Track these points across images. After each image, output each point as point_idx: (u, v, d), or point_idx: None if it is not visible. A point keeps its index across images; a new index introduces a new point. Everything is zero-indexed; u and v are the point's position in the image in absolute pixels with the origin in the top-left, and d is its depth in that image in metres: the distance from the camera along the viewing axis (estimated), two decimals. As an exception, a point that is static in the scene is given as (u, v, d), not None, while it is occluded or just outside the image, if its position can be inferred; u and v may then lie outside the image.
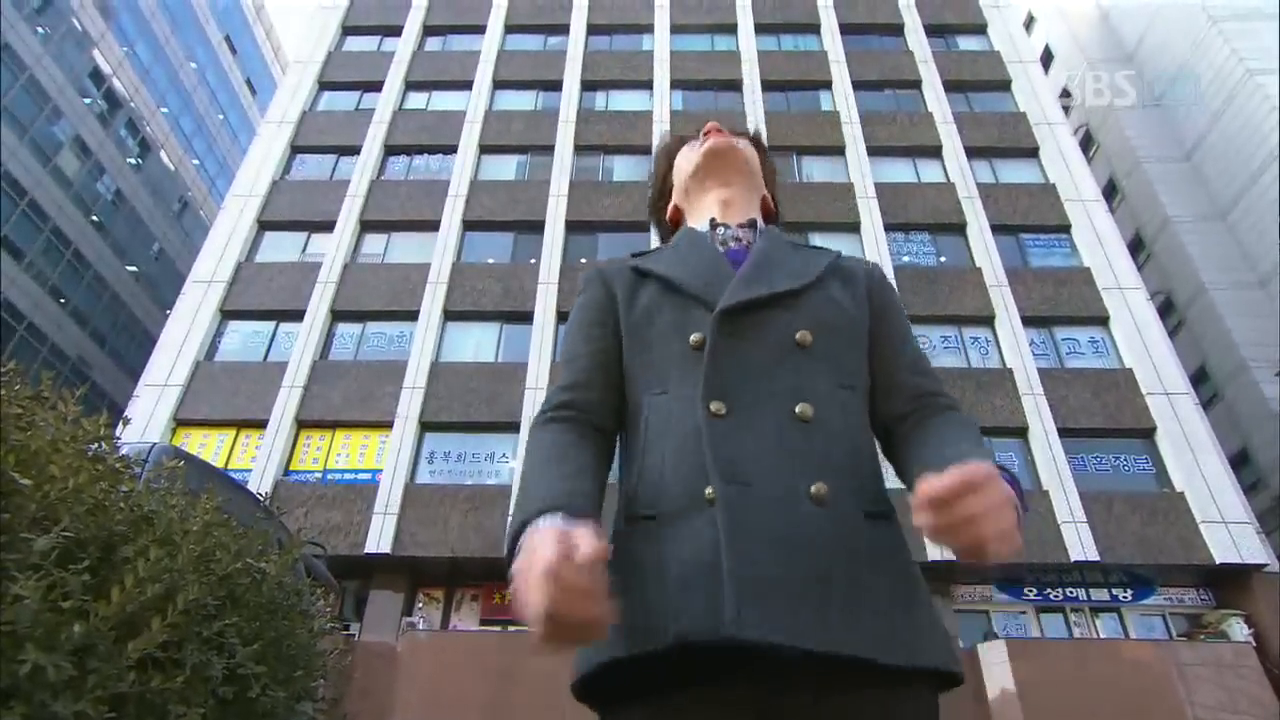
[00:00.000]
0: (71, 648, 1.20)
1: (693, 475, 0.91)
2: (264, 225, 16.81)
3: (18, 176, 20.62)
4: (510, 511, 11.07)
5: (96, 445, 1.76)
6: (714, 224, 1.18)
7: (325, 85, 19.76)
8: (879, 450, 1.04)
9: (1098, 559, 11.98)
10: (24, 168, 20.85)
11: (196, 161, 30.16)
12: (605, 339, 1.10)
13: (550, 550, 0.72)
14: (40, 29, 21.88)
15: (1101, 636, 12.23)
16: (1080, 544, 12.08)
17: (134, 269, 26.21)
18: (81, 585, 1.27)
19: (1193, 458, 12.92)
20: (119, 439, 2.09)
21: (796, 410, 0.94)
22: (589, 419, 1.04)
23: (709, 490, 0.88)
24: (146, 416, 13.38)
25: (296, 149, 18.33)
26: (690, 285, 1.05)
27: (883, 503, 0.95)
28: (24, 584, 1.13)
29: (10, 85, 20.37)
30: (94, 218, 24.01)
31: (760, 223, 1.22)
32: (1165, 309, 19.69)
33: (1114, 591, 12.80)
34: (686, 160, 1.30)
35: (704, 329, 0.99)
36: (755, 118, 18.27)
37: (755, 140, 1.35)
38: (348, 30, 21.17)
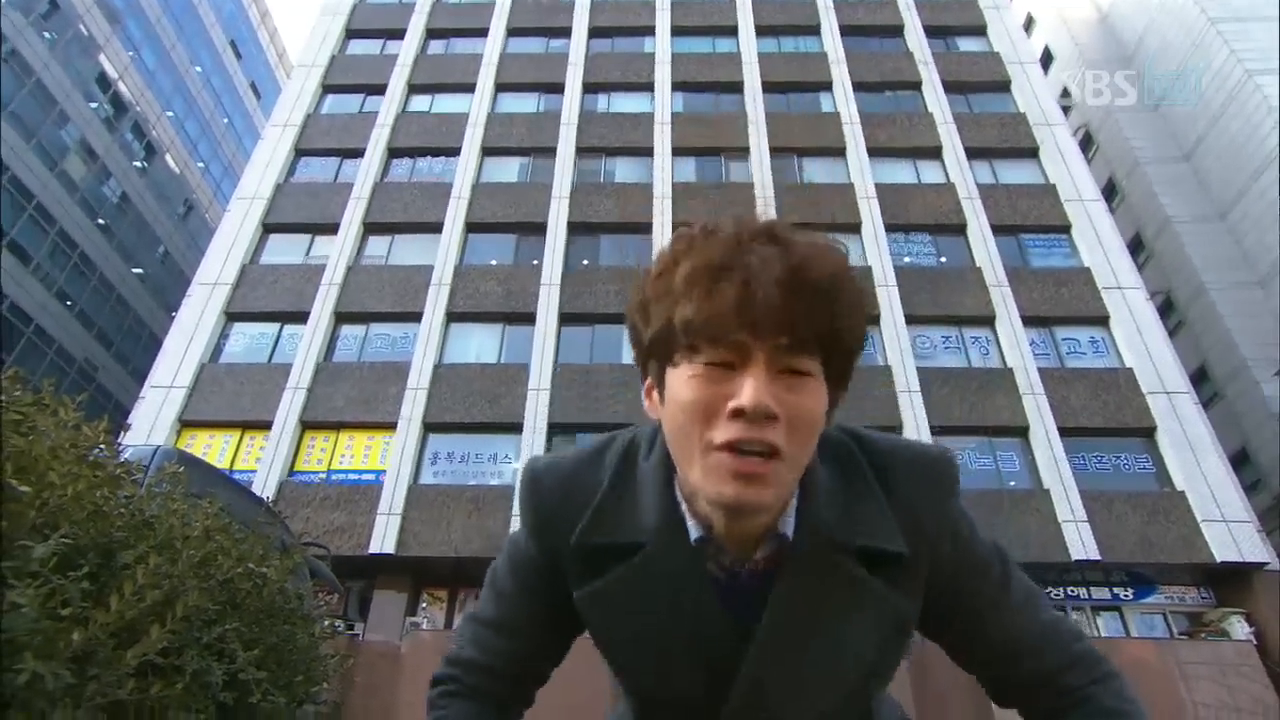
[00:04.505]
0: (70, 655, 1.20)
1: None
2: (268, 228, 16.86)
3: (24, 180, 20.71)
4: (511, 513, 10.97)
5: (97, 451, 1.78)
6: (704, 540, 0.78)
7: (329, 89, 19.81)
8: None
9: (1098, 558, 11.96)
10: (31, 171, 20.93)
11: (201, 165, 30.24)
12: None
13: None
14: (47, 34, 21.97)
15: (1102, 635, 12.18)
16: (1081, 543, 12.07)
17: (140, 272, 26.28)
18: (81, 592, 1.27)
19: (1193, 457, 12.90)
20: (120, 444, 2.11)
21: None
22: None
23: None
24: (152, 418, 13.45)
25: (300, 152, 18.38)
26: (660, 690, 0.85)
27: None
28: (22, 591, 1.13)
29: (17, 90, 20.47)
30: (100, 221, 24.09)
31: (790, 523, 0.77)
32: (1165, 309, 19.61)
33: (1115, 590, 12.79)
34: (686, 415, 0.70)
35: None
36: (756, 119, 18.28)
37: (844, 352, 0.72)
38: (351, 34, 21.22)
